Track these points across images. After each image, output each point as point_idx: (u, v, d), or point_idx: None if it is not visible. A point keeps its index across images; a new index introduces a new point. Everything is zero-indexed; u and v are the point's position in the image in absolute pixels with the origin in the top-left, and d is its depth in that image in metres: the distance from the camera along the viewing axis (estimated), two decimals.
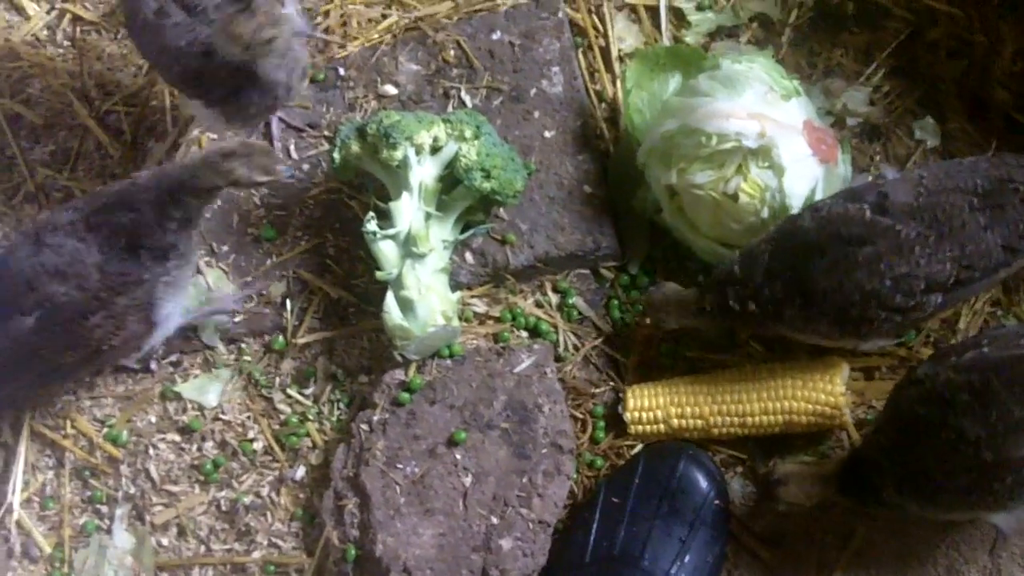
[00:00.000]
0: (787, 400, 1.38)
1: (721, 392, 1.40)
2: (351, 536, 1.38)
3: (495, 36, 1.60)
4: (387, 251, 1.42)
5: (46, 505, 1.49)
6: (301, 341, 1.51)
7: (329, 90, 1.60)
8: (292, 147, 1.58)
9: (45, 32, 1.71)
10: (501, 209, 1.50)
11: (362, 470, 1.39)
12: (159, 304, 1.37)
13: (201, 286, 1.52)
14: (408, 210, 1.42)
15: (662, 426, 1.42)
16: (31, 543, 1.48)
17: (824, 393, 1.37)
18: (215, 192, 1.34)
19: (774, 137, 1.35)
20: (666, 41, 1.61)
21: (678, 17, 1.63)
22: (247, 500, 1.47)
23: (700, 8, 1.62)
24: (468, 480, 1.37)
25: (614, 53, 1.61)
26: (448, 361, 1.44)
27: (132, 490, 1.48)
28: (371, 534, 1.36)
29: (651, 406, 1.42)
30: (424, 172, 1.43)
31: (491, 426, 1.40)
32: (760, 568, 1.39)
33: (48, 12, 1.72)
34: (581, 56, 1.61)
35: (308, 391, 1.50)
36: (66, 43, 1.70)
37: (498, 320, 1.50)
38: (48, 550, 1.47)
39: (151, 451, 1.50)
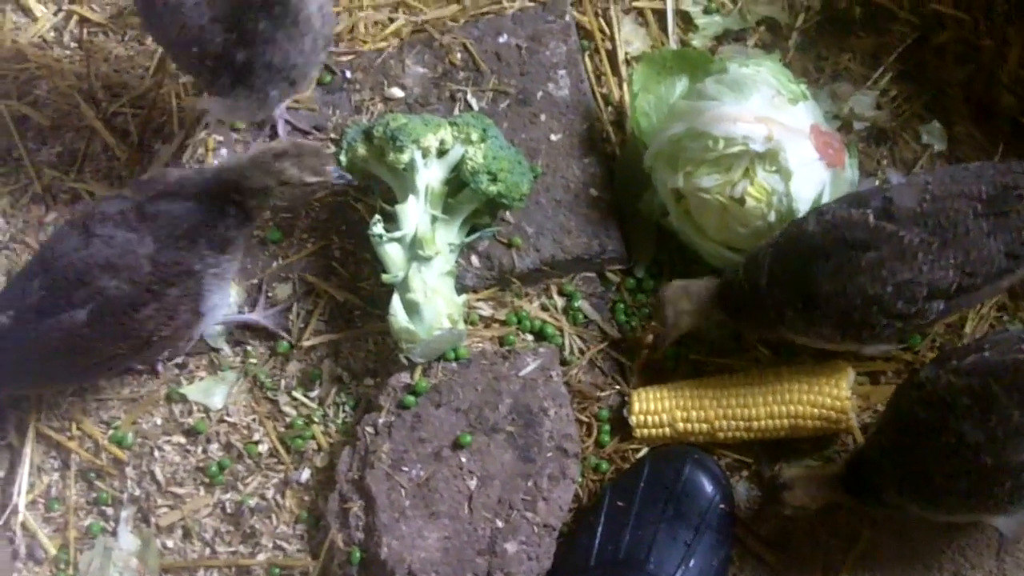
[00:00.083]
0: (793, 404, 1.38)
1: (727, 396, 1.40)
2: (356, 539, 1.38)
3: (502, 39, 1.59)
4: (393, 254, 1.42)
5: (51, 507, 1.49)
6: (307, 344, 1.51)
7: (335, 92, 1.60)
8: None
9: (52, 34, 1.71)
10: (507, 212, 1.50)
11: (367, 473, 1.39)
12: (207, 295, 1.38)
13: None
14: (414, 213, 1.42)
15: (667, 430, 1.41)
16: (36, 545, 1.48)
17: (830, 397, 1.37)
18: (267, 192, 1.34)
19: (781, 141, 1.35)
20: (673, 44, 1.61)
21: (685, 21, 1.63)
22: (252, 502, 1.47)
23: (707, 12, 1.62)
24: (473, 483, 1.37)
25: (621, 56, 1.60)
26: (454, 364, 1.43)
27: (137, 492, 1.48)
28: (376, 537, 1.36)
29: (657, 410, 1.41)
30: (430, 175, 1.43)
31: (496, 429, 1.39)
32: (765, 571, 1.39)
33: (55, 14, 1.72)
34: (588, 59, 1.61)
35: (313, 394, 1.50)
36: (73, 45, 1.70)
37: (504, 323, 1.50)
38: (53, 552, 1.47)
39: (156, 453, 1.50)
